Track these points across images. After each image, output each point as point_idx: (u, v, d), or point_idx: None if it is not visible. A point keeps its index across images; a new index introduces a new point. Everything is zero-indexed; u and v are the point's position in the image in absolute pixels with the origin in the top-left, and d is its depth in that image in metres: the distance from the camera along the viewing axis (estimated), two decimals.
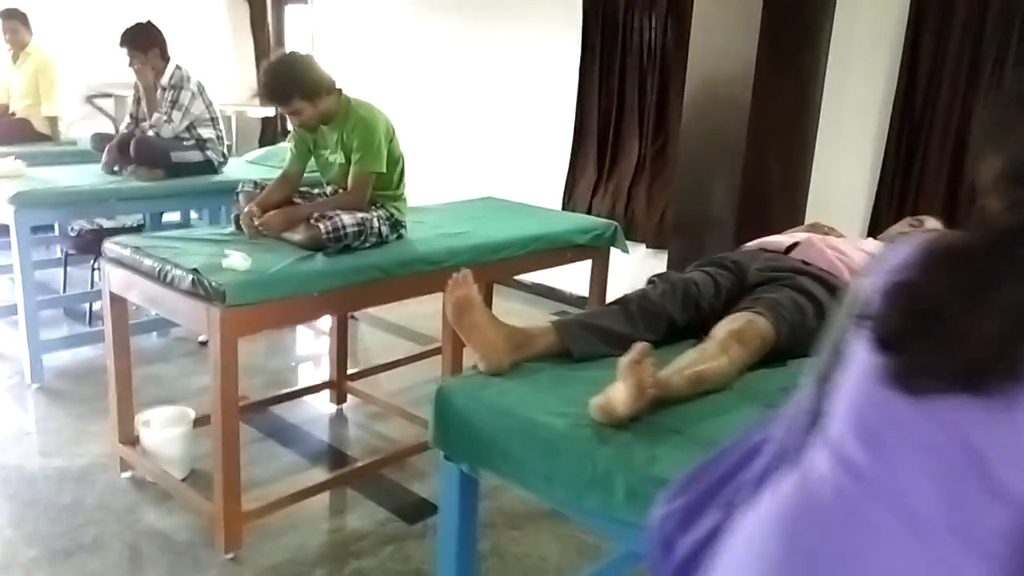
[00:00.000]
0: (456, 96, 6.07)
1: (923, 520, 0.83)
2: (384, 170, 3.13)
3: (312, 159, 3.27)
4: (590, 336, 2.02)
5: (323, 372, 4.23)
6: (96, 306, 4.79)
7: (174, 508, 2.98)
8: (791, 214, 4.08)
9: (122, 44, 4.13)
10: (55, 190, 3.90)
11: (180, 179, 4.26)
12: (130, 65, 4.18)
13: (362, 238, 2.99)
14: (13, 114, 5.44)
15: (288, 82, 2.97)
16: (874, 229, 4.10)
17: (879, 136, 4.10)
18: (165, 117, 4.22)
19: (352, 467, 3.29)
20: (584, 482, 1.58)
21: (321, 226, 2.88)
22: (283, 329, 4.66)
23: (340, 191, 3.19)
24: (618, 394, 1.61)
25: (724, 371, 1.84)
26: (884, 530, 0.84)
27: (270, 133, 7.50)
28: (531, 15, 5.52)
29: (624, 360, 1.59)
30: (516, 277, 5.30)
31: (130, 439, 3.14)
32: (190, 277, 2.57)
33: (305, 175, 3.31)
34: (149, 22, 4.23)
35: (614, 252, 3.77)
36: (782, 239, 2.44)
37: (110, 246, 2.94)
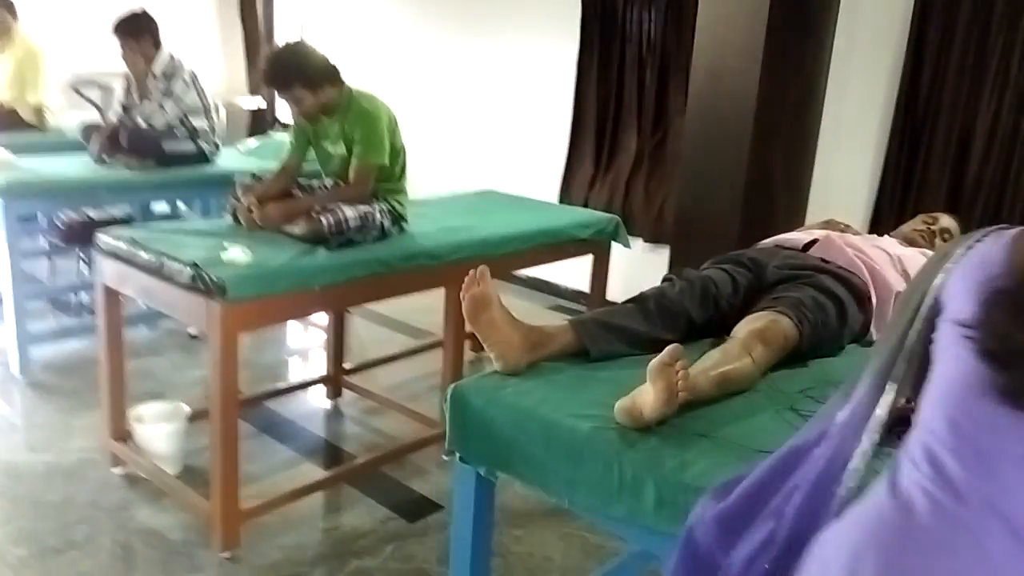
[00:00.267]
0: (449, 87, 6.00)
1: None
2: (386, 162, 3.06)
3: (311, 151, 3.20)
4: (608, 335, 1.96)
5: (317, 366, 4.16)
6: (83, 297, 4.70)
7: (168, 505, 2.90)
8: (793, 210, 4.03)
9: (114, 32, 4.03)
10: (45, 180, 3.80)
11: (172, 169, 4.16)
12: (122, 53, 4.07)
13: (364, 232, 2.92)
14: None
15: (290, 68, 2.91)
16: (876, 225, 4.07)
17: (882, 131, 4.07)
18: (157, 106, 4.12)
19: (352, 464, 3.23)
20: (611, 488, 1.52)
21: (323, 220, 2.81)
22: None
23: (340, 184, 3.12)
24: (646, 397, 1.55)
25: (748, 372, 1.79)
26: (989, 547, 0.79)
27: (260, 124, 7.39)
28: (528, 5, 5.45)
29: (655, 362, 1.53)
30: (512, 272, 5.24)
31: (122, 434, 3.06)
32: (189, 271, 2.49)
33: (303, 167, 3.23)
34: (143, 10, 4.13)
35: (613, 247, 3.73)
36: (799, 236, 2.39)
37: (104, 238, 2.86)
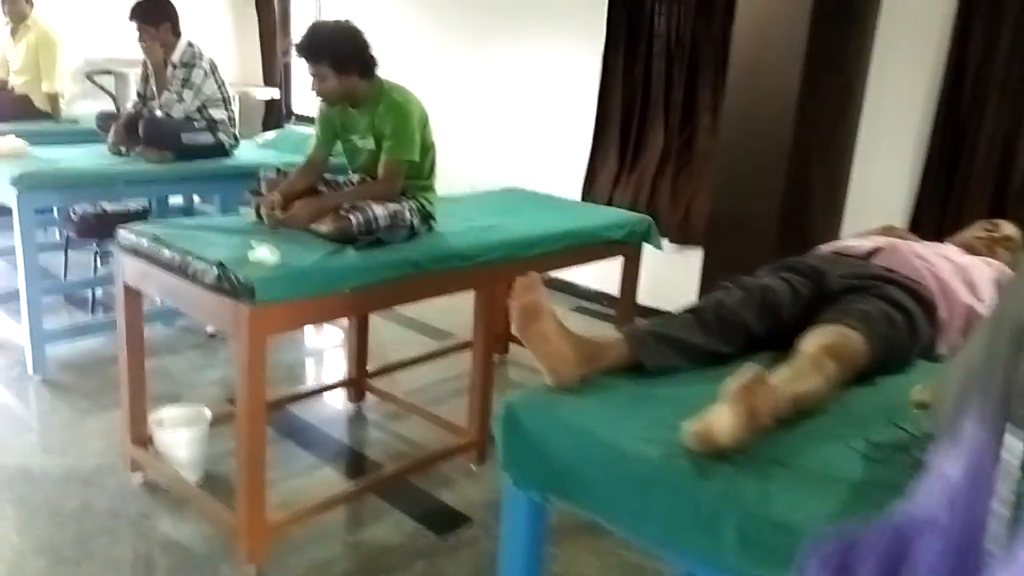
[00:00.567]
0: (472, 81, 5.87)
1: None
2: (417, 158, 2.95)
3: (338, 144, 3.09)
4: (664, 348, 1.85)
5: (337, 369, 4.05)
6: (99, 294, 4.59)
7: (189, 515, 2.79)
8: (831, 213, 3.92)
9: (132, 18, 3.91)
10: (61, 171, 3.68)
11: (191, 162, 4.05)
12: (139, 40, 3.95)
13: (393, 231, 2.81)
14: (12, 90, 5.22)
15: (325, 43, 2.83)
16: (915, 230, 3.92)
17: (922, 132, 3.93)
18: (176, 96, 4.00)
19: (380, 475, 3.10)
20: (684, 522, 1.40)
21: (352, 218, 2.69)
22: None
23: (368, 179, 3.00)
24: (721, 421, 1.43)
25: (822, 392, 1.67)
26: None
27: (275, 116, 7.28)
28: (554, 1, 5.32)
29: (735, 383, 1.41)
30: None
31: (142, 439, 2.94)
32: (215, 271, 2.38)
33: (329, 161, 3.12)
34: None
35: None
36: (862, 243, 2.26)
37: (125, 235, 2.74)
